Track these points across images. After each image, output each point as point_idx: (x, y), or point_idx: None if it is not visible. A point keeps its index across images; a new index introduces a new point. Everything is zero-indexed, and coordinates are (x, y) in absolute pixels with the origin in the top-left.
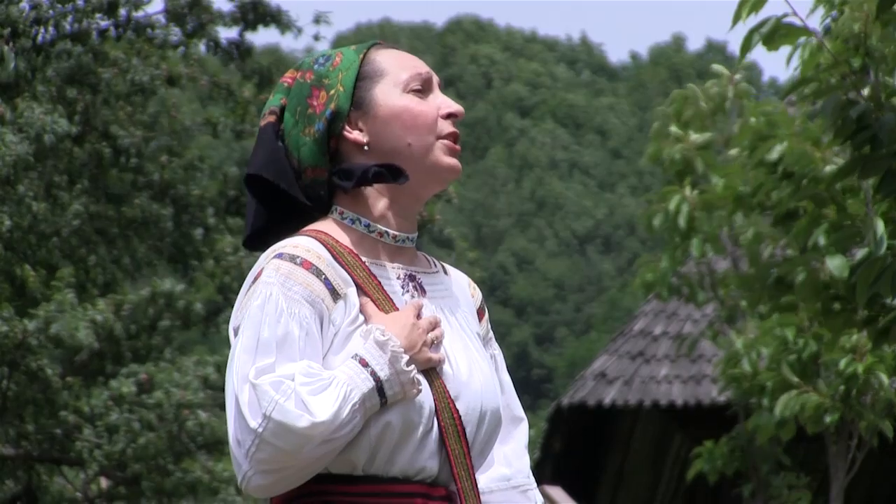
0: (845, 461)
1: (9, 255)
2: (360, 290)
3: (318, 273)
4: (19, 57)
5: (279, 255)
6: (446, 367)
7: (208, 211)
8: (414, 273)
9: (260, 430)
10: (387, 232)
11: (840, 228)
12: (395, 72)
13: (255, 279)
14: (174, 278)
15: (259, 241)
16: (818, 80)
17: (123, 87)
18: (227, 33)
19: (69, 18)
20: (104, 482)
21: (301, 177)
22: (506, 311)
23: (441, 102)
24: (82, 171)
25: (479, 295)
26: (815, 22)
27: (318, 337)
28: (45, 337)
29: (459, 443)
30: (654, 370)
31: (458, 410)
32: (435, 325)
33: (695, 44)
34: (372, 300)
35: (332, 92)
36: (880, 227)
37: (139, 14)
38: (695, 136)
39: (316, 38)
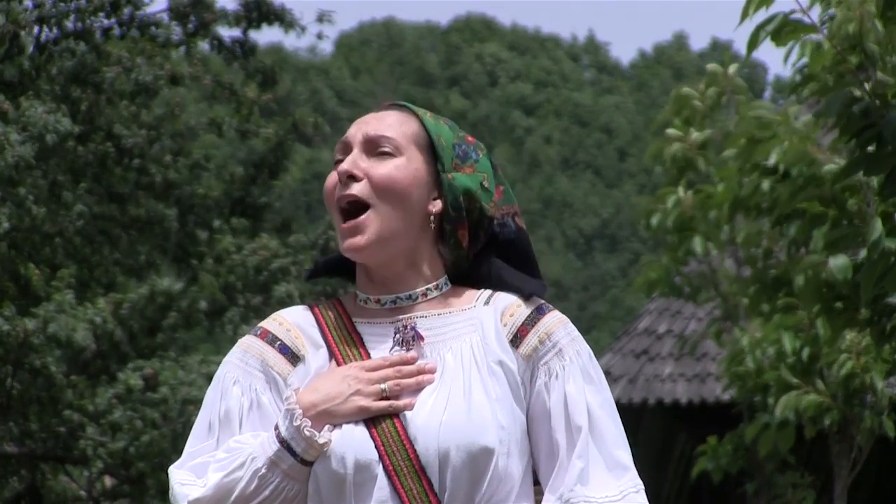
0: (848, 460)
1: (12, 254)
2: (330, 351)
3: (272, 340)
4: (23, 56)
5: (251, 332)
6: (409, 412)
7: (213, 214)
8: (412, 323)
9: None
10: (368, 298)
11: (839, 227)
12: None
13: None
14: (174, 277)
15: None
16: (819, 79)
17: (127, 87)
18: (230, 32)
19: (72, 17)
20: (108, 480)
21: None
22: None
23: None
24: (86, 171)
25: (518, 315)
26: (816, 18)
27: (273, 404)
28: (44, 336)
29: (419, 482)
30: (658, 368)
31: (415, 451)
32: (416, 373)
33: (700, 42)
34: (338, 359)
35: None
36: (879, 226)
37: (142, 12)
38: (695, 135)
39: (319, 36)
